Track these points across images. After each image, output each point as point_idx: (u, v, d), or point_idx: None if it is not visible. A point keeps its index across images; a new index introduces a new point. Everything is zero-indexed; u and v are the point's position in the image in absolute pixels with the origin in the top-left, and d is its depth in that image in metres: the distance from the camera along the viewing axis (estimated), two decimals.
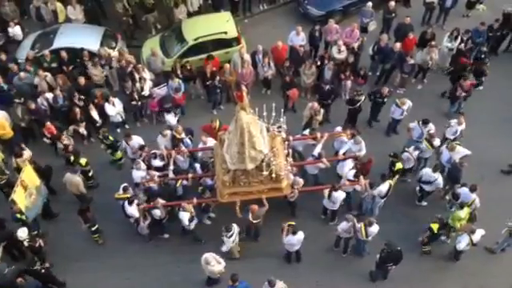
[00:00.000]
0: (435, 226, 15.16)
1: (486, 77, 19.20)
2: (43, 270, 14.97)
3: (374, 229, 14.94)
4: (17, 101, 18.31)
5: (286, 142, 16.10)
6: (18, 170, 16.45)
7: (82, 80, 18.53)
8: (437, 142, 16.75)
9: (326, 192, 15.58)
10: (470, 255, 15.52)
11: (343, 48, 19.45)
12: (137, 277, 15.88)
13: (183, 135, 17.07)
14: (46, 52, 19.47)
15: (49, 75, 18.86)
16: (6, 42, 21.05)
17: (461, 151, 16.37)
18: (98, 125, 18.38)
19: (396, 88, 19.81)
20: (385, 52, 19.47)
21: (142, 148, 16.70)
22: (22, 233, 15.14)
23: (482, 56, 19.55)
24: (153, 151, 16.69)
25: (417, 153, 16.61)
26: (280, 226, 14.99)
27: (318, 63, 19.37)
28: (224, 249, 15.20)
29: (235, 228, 15.04)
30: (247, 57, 19.24)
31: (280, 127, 15.37)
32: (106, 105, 18.31)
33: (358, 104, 18.12)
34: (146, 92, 18.81)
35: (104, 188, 17.29)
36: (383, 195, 15.78)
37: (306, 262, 15.95)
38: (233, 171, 15.01)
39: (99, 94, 18.47)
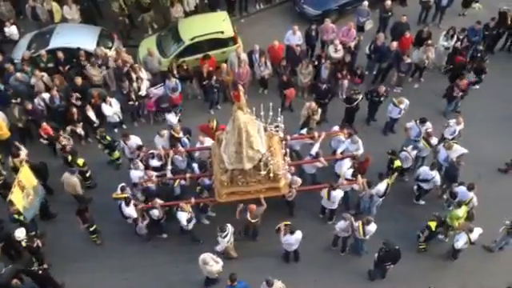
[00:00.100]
0: (433, 224, 15.19)
1: (486, 74, 19.22)
2: (41, 271, 14.94)
3: (372, 227, 14.97)
4: (14, 101, 18.26)
5: (284, 142, 16.10)
6: (15, 170, 16.41)
7: (78, 80, 18.46)
8: (434, 140, 16.80)
9: (325, 193, 15.58)
10: (468, 254, 15.56)
11: (340, 47, 19.46)
12: (135, 277, 15.86)
13: (181, 134, 17.06)
14: (43, 52, 19.43)
15: (45, 75, 18.83)
16: (2, 42, 20.98)
17: (458, 150, 16.39)
18: (95, 125, 18.34)
19: (393, 87, 19.83)
20: (381, 51, 19.49)
21: (139, 148, 16.68)
22: (20, 233, 15.11)
23: (478, 54, 19.62)
24: (150, 151, 16.68)
25: (415, 152, 16.63)
26: (279, 224, 15.00)
27: (315, 63, 19.38)
28: (219, 249, 15.19)
29: (230, 228, 15.05)
30: (244, 56, 19.23)
31: (277, 126, 15.34)
32: (103, 105, 18.27)
33: (356, 103, 18.14)
34: (142, 92, 18.78)
35: (102, 188, 17.24)
36: (381, 194, 15.82)
37: (304, 262, 15.95)
38: (230, 171, 15.00)
39: (96, 94, 18.44)
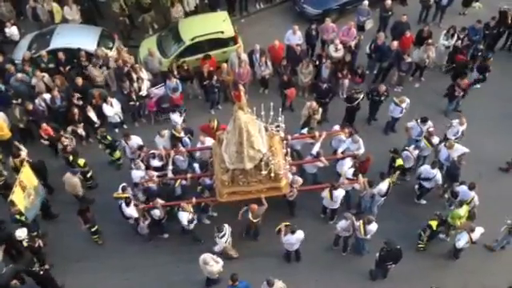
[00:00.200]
0: (434, 223, 15.19)
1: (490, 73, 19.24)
2: (42, 272, 14.91)
3: (373, 227, 14.96)
4: (14, 102, 18.27)
5: (285, 141, 16.12)
6: (16, 170, 16.42)
7: (79, 80, 18.47)
8: (436, 139, 16.79)
9: (328, 193, 15.56)
10: (470, 253, 15.55)
11: (340, 46, 19.45)
12: (136, 277, 15.86)
13: (182, 134, 17.06)
14: (43, 52, 19.45)
15: (46, 76, 18.84)
16: (3, 43, 20.99)
17: (459, 149, 16.38)
18: (96, 125, 18.35)
19: (393, 86, 19.83)
20: (382, 50, 19.49)
21: (140, 148, 16.68)
22: (21, 232, 15.11)
23: (479, 54, 19.64)
24: (151, 151, 16.68)
25: (417, 152, 16.62)
26: (279, 225, 14.99)
27: (316, 62, 19.38)
28: (217, 249, 15.20)
29: (227, 228, 15.06)
30: (244, 56, 19.24)
31: (278, 126, 15.37)
32: (104, 105, 18.27)
33: (356, 102, 18.13)
34: (143, 92, 18.79)
35: (103, 188, 17.25)
36: (383, 194, 15.80)
37: (305, 261, 15.95)
38: (231, 171, 15.00)
39: (97, 94, 18.44)
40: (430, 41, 19.36)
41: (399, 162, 16.26)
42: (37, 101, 18.24)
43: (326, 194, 15.66)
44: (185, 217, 15.20)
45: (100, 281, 15.73)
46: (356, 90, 18.27)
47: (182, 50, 19.87)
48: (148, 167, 16.44)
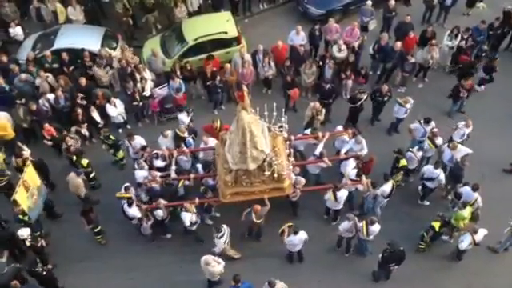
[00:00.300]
0: (437, 224, 15.16)
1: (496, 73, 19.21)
2: (45, 272, 14.93)
3: (376, 228, 14.94)
4: (18, 102, 18.30)
5: (288, 142, 16.12)
6: (19, 170, 16.45)
7: (83, 81, 18.51)
8: (439, 140, 16.75)
9: (331, 195, 15.52)
10: (473, 255, 15.52)
11: (343, 47, 19.45)
12: (139, 277, 15.89)
13: (186, 134, 17.07)
14: (47, 53, 19.46)
15: (50, 76, 18.86)
16: (7, 43, 21.03)
17: (462, 150, 16.34)
18: (99, 126, 18.37)
19: (397, 87, 19.81)
20: (385, 51, 19.46)
21: (143, 148, 16.70)
22: (24, 232, 15.15)
23: (483, 54, 19.60)
24: (154, 151, 16.69)
25: (420, 153, 16.59)
26: (282, 225, 14.96)
27: (319, 63, 19.37)
28: (216, 250, 15.21)
29: (226, 229, 15.06)
30: (248, 57, 19.25)
31: (281, 127, 15.36)
32: (108, 106, 18.29)
33: (360, 102, 18.10)
34: (147, 92, 18.80)
35: (106, 188, 17.26)
36: (386, 195, 15.78)
37: (308, 262, 15.94)
38: (235, 171, 15.01)
39: (101, 95, 18.44)
40: (433, 41, 19.31)
41: (403, 162, 16.23)
42: (41, 101, 18.27)
43: (329, 195, 15.63)
44: (188, 217, 15.21)
45: (103, 281, 15.76)
46: (359, 90, 18.25)
47: (186, 50, 19.88)
48: (151, 167, 16.44)
